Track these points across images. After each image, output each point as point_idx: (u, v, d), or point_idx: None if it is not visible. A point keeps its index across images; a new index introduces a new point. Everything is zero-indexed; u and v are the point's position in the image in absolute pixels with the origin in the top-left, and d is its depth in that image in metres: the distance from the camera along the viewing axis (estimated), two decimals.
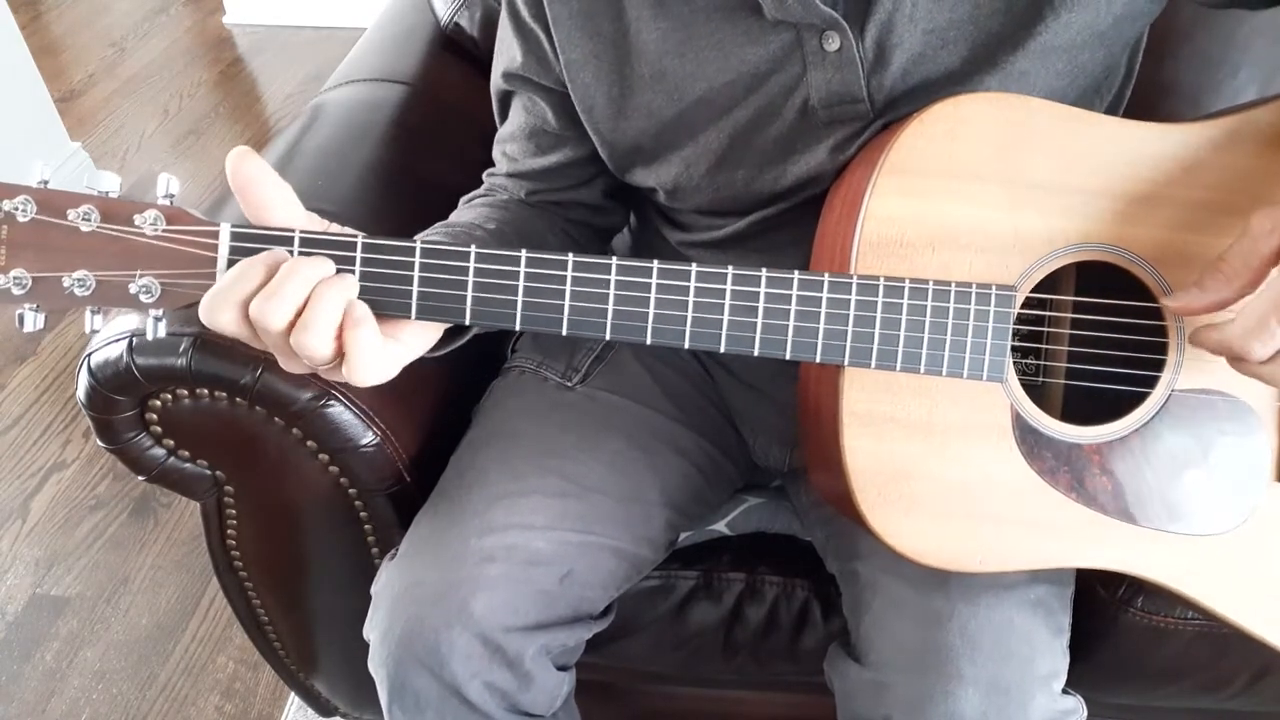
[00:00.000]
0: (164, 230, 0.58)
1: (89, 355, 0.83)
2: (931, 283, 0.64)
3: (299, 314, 0.57)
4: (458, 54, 1.23)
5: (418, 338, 0.65)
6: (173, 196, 0.60)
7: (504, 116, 0.90)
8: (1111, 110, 0.80)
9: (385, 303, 0.61)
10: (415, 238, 0.63)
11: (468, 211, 0.86)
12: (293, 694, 1.33)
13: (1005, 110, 0.66)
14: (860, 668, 0.80)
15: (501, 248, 0.62)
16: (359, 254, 0.60)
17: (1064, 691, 0.78)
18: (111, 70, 2.93)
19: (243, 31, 3.13)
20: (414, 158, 1.09)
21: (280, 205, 0.60)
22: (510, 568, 0.78)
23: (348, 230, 0.62)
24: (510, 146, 0.88)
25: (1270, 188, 0.67)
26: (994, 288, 0.65)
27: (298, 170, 1.01)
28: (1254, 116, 0.67)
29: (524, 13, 0.80)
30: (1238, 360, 0.61)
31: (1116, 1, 0.70)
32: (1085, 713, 0.80)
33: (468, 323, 0.62)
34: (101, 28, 3.16)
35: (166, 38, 3.11)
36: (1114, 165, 0.67)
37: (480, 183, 0.93)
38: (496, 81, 0.87)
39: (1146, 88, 0.85)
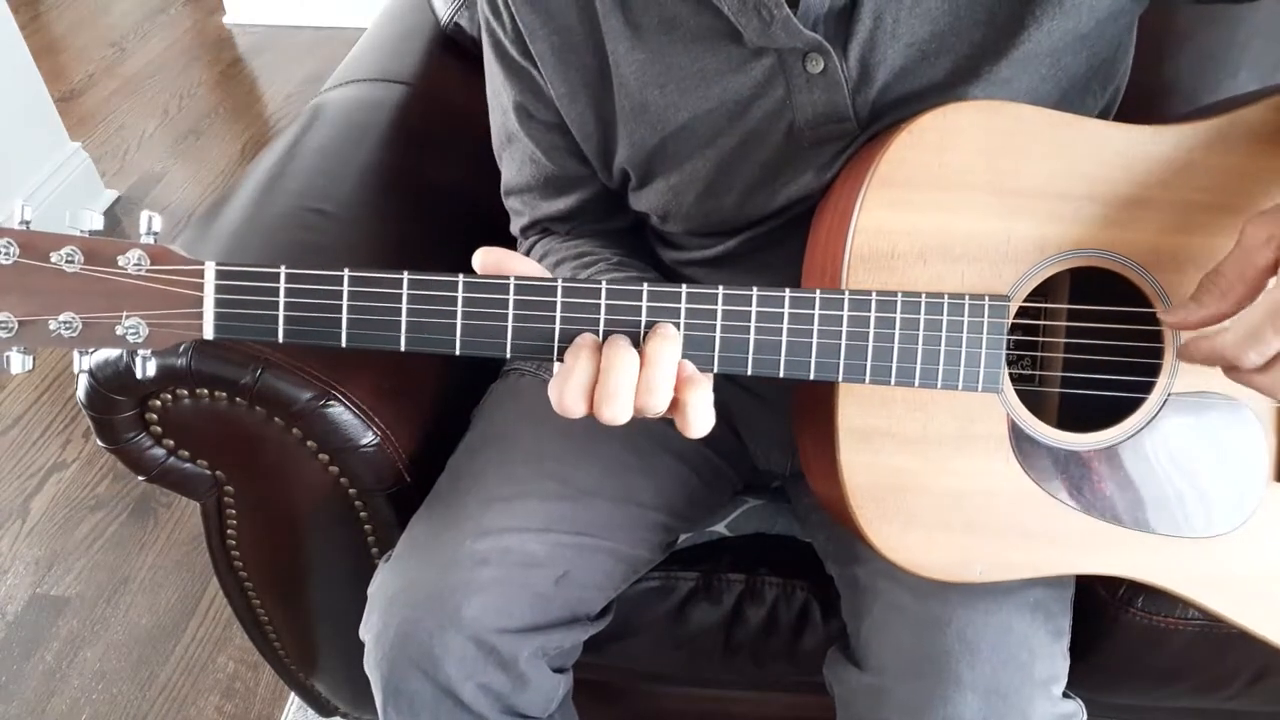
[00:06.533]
0: (148, 270, 0.57)
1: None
2: (924, 295, 0.64)
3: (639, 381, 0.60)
4: (458, 54, 1.23)
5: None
6: (156, 234, 0.58)
7: (511, 169, 0.90)
8: (1105, 111, 0.80)
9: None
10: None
11: (566, 265, 0.86)
12: (293, 694, 1.33)
13: (994, 118, 0.66)
14: (859, 673, 0.79)
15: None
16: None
17: (1064, 695, 0.77)
18: (111, 70, 2.92)
19: (243, 31, 3.12)
20: (414, 158, 1.09)
21: (519, 265, 0.62)
22: (504, 570, 0.77)
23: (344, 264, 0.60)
24: (526, 196, 0.89)
25: (1262, 187, 0.66)
26: (987, 298, 0.65)
27: (298, 170, 1.01)
28: (1243, 115, 0.67)
29: (512, 52, 0.80)
30: (1231, 370, 0.61)
31: (1100, 6, 0.69)
32: (1085, 716, 0.79)
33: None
34: (101, 28, 3.16)
35: (166, 38, 3.10)
36: (1105, 169, 0.66)
37: (480, 183, 0.93)
38: (498, 134, 0.88)
39: (1146, 88, 0.84)
